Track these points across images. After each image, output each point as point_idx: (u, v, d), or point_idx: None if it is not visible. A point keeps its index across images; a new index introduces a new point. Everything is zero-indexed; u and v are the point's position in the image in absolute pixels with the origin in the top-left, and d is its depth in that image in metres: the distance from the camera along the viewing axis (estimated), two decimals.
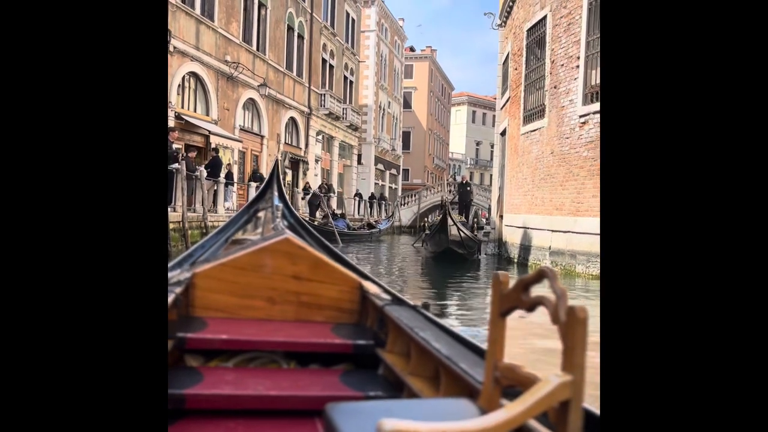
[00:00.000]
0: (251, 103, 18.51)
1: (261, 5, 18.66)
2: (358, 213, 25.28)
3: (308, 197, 18.87)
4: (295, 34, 21.25)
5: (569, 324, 0.89)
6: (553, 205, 9.45)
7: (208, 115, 15.87)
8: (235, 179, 16.73)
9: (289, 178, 20.66)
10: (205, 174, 11.37)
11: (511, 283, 1.08)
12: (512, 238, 11.38)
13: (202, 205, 11.31)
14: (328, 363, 1.90)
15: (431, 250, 11.76)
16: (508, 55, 11.74)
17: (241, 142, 16.67)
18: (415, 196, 32.17)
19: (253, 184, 14.95)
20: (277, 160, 4.39)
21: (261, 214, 3.11)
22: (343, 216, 20.64)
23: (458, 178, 17.33)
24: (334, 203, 20.64)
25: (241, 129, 17.57)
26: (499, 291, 1.09)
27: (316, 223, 16.88)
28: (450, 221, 10.32)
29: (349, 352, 1.83)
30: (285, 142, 20.89)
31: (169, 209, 9.86)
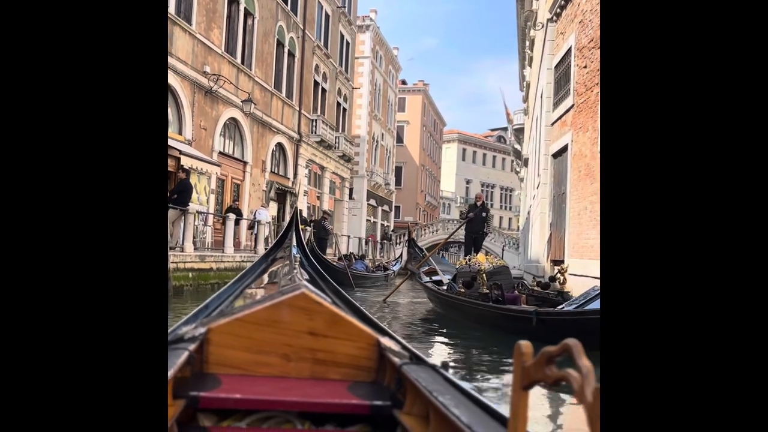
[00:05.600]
0: (233, 124, 15.90)
1: (248, 13, 16.24)
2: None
3: (311, 230, 16.35)
4: (285, 50, 18.86)
5: (595, 406, 0.80)
6: None
7: (180, 133, 13.20)
8: (212, 210, 14.07)
9: (273, 212, 17.99)
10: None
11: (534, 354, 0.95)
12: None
13: None
14: (344, 423, 1.76)
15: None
16: (569, 52, 9.24)
17: (219, 166, 13.91)
18: (404, 235, 29.92)
19: (231, 218, 12.22)
20: (296, 208, 4.40)
21: (278, 263, 3.14)
22: (363, 257, 18.91)
23: (470, 201, 13.39)
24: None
25: (220, 153, 14.91)
26: (520, 363, 0.96)
27: (331, 261, 14.42)
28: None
29: (366, 413, 1.71)
30: (271, 171, 18.24)
31: None
